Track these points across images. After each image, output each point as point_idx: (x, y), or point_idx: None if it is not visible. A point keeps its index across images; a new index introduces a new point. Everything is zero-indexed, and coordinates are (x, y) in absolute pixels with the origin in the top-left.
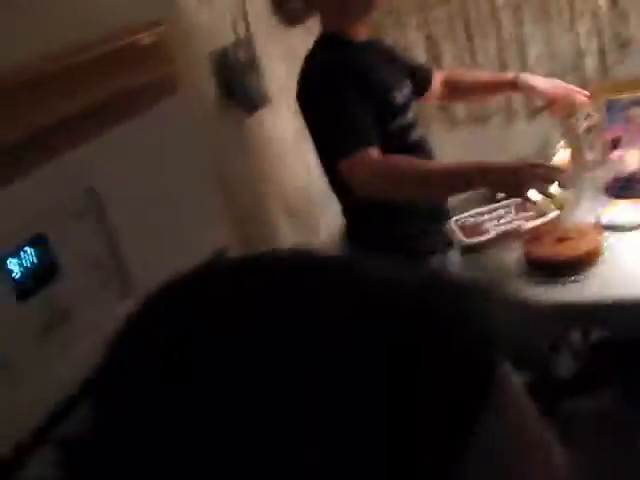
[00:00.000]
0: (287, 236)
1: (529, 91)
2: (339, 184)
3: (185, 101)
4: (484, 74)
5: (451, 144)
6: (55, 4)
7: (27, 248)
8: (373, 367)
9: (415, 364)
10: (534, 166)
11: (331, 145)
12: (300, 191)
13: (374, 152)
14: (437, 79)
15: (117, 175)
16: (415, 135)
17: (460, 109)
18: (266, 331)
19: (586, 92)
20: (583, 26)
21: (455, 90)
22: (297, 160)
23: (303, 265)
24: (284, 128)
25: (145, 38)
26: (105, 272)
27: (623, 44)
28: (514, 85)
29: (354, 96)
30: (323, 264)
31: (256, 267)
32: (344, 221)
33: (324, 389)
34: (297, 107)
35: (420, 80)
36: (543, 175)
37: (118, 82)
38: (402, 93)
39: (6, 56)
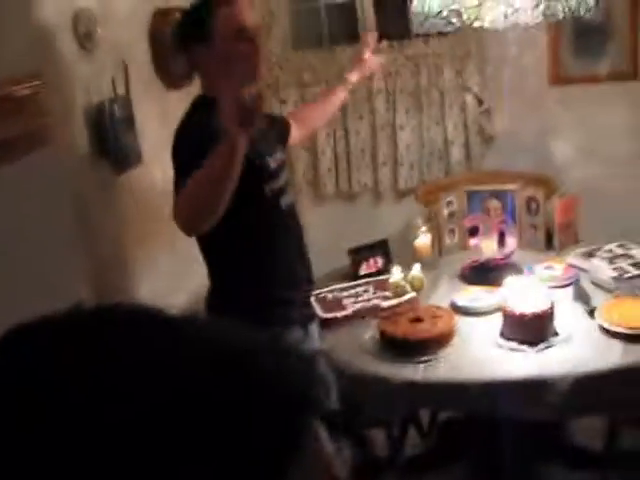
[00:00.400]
0: (150, 294)
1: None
2: (206, 246)
3: (55, 154)
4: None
5: (319, 218)
6: None
7: None
8: (181, 420)
9: (224, 421)
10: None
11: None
12: (166, 251)
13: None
14: (293, 125)
15: None
16: (286, 200)
17: (330, 185)
18: (99, 380)
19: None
20: (451, 119)
21: (305, 123)
22: (164, 220)
23: (138, 321)
24: (154, 188)
25: (22, 90)
26: None
27: (486, 139)
28: (338, 87)
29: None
30: (159, 321)
31: (96, 319)
32: (210, 284)
33: (134, 436)
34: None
35: (285, 133)
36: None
37: None
38: (274, 159)
39: None
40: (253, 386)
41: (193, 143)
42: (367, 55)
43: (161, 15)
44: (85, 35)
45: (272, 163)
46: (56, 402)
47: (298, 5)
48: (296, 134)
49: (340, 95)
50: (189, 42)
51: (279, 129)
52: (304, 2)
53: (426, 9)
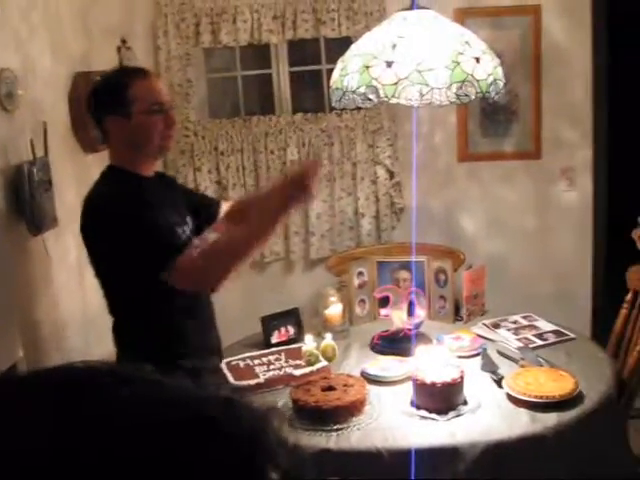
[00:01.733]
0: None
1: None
2: (117, 308)
3: None
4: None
5: (231, 286)
6: None
7: None
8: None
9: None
10: (293, 182)
11: (139, 266)
12: (76, 313)
13: (187, 254)
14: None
15: None
16: None
17: None
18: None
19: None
20: (363, 191)
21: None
22: (76, 282)
23: (93, 381)
24: (68, 250)
25: None
26: None
27: (396, 211)
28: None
29: (145, 221)
30: (100, 378)
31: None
32: (116, 340)
33: None
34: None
35: (207, 212)
36: (299, 189)
37: None
38: (184, 229)
39: None
40: (212, 434)
41: (112, 218)
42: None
43: (82, 78)
44: (6, 95)
45: (182, 235)
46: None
47: (215, 74)
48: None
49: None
50: (103, 111)
51: (206, 210)
52: (221, 72)
53: (345, 85)
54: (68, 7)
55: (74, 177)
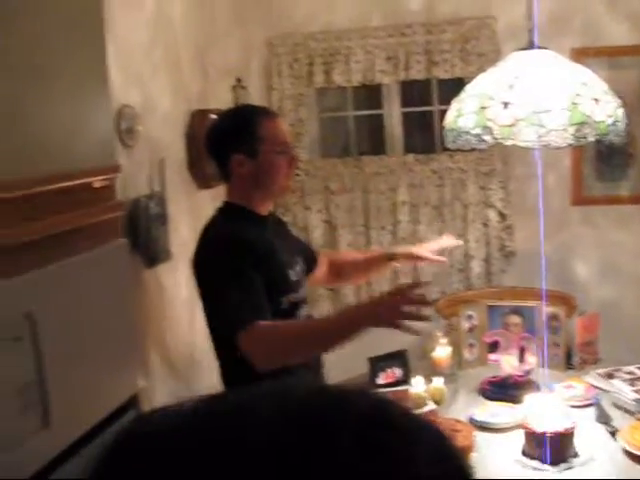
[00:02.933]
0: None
1: (399, 256)
2: (224, 351)
3: (122, 245)
4: (359, 254)
5: None
6: (22, 136)
7: None
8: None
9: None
10: (403, 299)
11: (226, 316)
12: (186, 347)
13: (264, 323)
14: (323, 262)
15: (56, 306)
16: (303, 311)
17: (350, 294)
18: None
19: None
20: (473, 234)
21: (338, 273)
22: (187, 317)
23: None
24: (179, 284)
25: (99, 181)
26: (29, 395)
27: (507, 255)
28: (384, 257)
29: (250, 270)
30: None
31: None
32: (222, 381)
33: None
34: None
35: (308, 261)
36: (409, 311)
37: (71, 218)
38: (295, 270)
39: None
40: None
41: (227, 254)
42: (424, 252)
43: (198, 116)
44: (126, 131)
45: (293, 276)
46: None
47: (327, 114)
48: (321, 273)
49: (383, 267)
50: (228, 149)
51: (308, 257)
52: (333, 111)
53: (460, 126)
54: (187, 47)
55: (188, 212)
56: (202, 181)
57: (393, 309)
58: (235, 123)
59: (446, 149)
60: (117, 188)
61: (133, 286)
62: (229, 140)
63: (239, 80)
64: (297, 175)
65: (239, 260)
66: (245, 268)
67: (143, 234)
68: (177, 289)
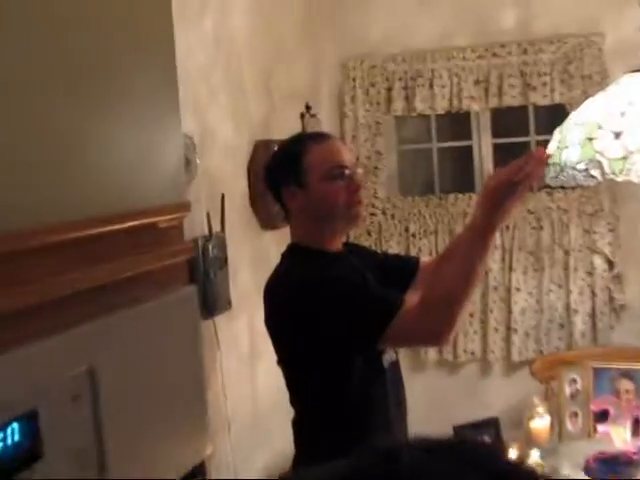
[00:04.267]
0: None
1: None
2: (307, 396)
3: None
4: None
5: (419, 387)
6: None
7: (14, 424)
8: None
9: None
10: (510, 174)
11: (363, 319)
12: (244, 406)
13: (401, 312)
14: (429, 265)
15: (118, 361)
16: (389, 358)
17: (432, 352)
18: None
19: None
20: (576, 284)
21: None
22: (247, 373)
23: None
24: (239, 337)
25: (165, 221)
26: (86, 460)
27: (617, 309)
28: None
29: (354, 277)
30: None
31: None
32: (296, 436)
33: None
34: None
35: (402, 274)
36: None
37: (136, 263)
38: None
39: (25, 218)
40: None
41: (307, 300)
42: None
43: (262, 147)
44: (186, 162)
45: None
46: None
47: (407, 146)
48: (423, 282)
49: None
50: (278, 183)
51: (403, 268)
52: (414, 143)
53: (563, 159)
54: (251, 69)
55: (250, 256)
56: (266, 221)
57: (514, 181)
58: (282, 154)
59: (545, 186)
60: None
61: (200, 339)
62: (278, 172)
63: (308, 107)
64: (373, 215)
65: (338, 277)
66: (349, 275)
67: (200, 280)
68: (236, 342)
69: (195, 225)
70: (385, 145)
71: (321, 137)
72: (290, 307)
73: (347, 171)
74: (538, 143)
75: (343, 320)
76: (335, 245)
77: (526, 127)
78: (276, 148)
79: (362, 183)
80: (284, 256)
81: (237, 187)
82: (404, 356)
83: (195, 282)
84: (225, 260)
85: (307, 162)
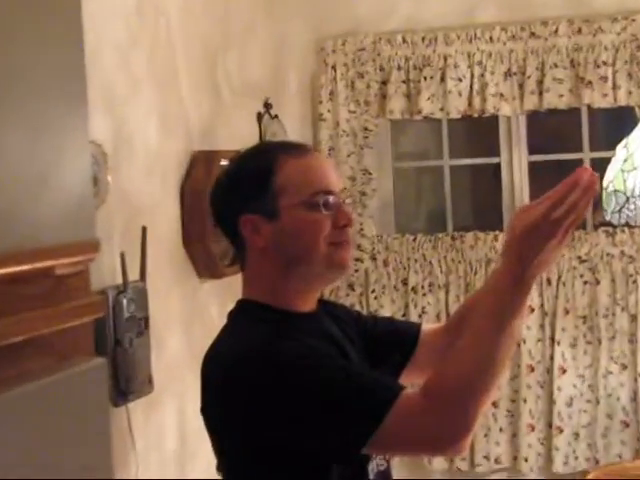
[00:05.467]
0: None
1: None
2: None
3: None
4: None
5: None
6: None
7: None
8: None
9: None
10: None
11: (349, 418)
12: None
13: (400, 400)
14: (429, 335)
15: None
16: (376, 466)
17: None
18: None
19: None
20: None
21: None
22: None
23: None
24: (162, 430)
25: (65, 266)
26: None
27: None
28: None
29: (331, 353)
30: None
31: None
32: None
33: None
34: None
35: (398, 345)
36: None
37: (20, 324)
38: None
39: None
40: None
41: (262, 386)
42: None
43: (202, 161)
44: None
45: None
46: None
47: (407, 163)
48: (426, 359)
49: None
50: (233, 210)
51: (393, 341)
52: (417, 159)
53: (630, 186)
54: (188, 50)
55: (182, 316)
56: (206, 266)
57: (553, 219)
58: (243, 168)
59: (603, 224)
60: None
61: (107, 434)
62: (235, 195)
63: (268, 105)
64: (358, 260)
65: (310, 350)
66: (324, 351)
67: (110, 351)
68: (160, 438)
69: (104, 272)
70: (377, 161)
71: (298, 149)
72: (237, 394)
73: (333, 198)
74: (594, 163)
75: (314, 422)
76: (307, 304)
77: (577, 139)
78: (229, 162)
79: (351, 217)
80: (232, 317)
81: (165, 217)
82: (399, 463)
83: (103, 353)
84: (146, 321)
85: (279, 183)
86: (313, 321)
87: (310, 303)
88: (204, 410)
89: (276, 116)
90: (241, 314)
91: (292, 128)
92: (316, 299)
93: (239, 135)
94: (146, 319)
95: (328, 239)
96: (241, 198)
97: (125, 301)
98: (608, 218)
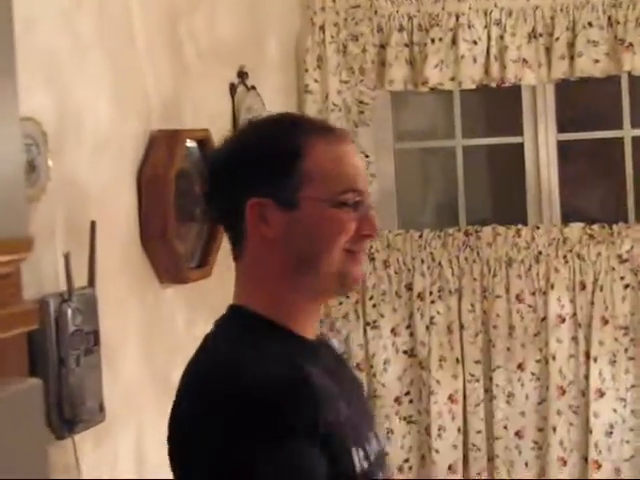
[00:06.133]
0: None
1: None
2: None
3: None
4: None
5: None
6: None
7: None
8: None
9: None
10: None
11: None
12: None
13: None
14: None
15: None
16: None
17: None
18: None
19: None
20: None
21: None
22: None
23: None
24: (116, 467)
25: None
26: None
27: None
28: None
29: (304, 444)
30: None
31: None
32: None
33: None
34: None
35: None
36: None
37: None
38: (366, 453)
39: None
40: None
41: (264, 412)
42: None
43: (164, 143)
44: (25, 168)
45: (362, 461)
46: None
47: (411, 143)
48: None
49: None
50: (242, 192)
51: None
52: (424, 139)
53: None
54: (144, 11)
55: (139, 329)
56: (169, 268)
57: None
58: (262, 141)
59: None
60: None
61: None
62: (245, 171)
63: (243, 74)
64: None
65: (289, 420)
66: (296, 437)
67: (52, 371)
68: (113, 474)
69: (44, 276)
70: (375, 142)
71: (333, 133)
72: (213, 431)
73: (365, 201)
74: (636, 142)
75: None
76: (309, 326)
77: (616, 114)
78: (241, 128)
79: (376, 223)
80: (221, 328)
81: (118, 210)
82: None
83: (43, 374)
84: (96, 336)
85: (306, 169)
86: (314, 352)
87: (311, 326)
88: (172, 448)
89: (253, 87)
90: (233, 323)
91: (272, 102)
92: (317, 325)
93: (208, 111)
94: (96, 333)
95: (350, 244)
96: (252, 176)
97: (70, 311)
98: None
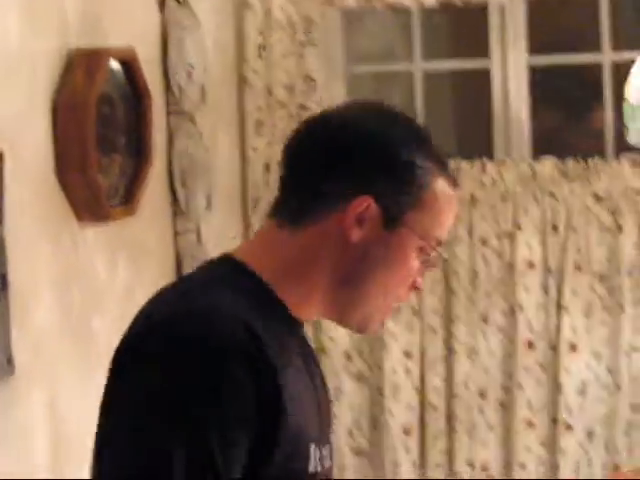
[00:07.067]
0: None
1: None
2: None
3: None
4: None
5: None
6: None
7: None
8: None
9: None
10: None
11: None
12: None
13: None
14: None
15: None
16: None
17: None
18: None
19: None
20: None
21: None
22: None
23: None
24: (33, 423)
25: None
26: None
27: None
28: None
29: (235, 420)
30: None
31: None
32: None
33: None
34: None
35: None
36: None
37: None
38: (322, 455)
39: None
40: None
41: (200, 361)
42: None
43: (83, 64)
44: None
45: (313, 463)
46: None
47: (366, 66)
48: None
49: None
50: (364, 180)
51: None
52: (379, 63)
53: None
54: None
55: (54, 274)
56: (89, 205)
57: None
58: (392, 149)
59: (627, 149)
60: None
61: None
62: (370, 170)
63: None
64: None
65: (225, 383)
66: (228, 410)
67: None
68: (23, 437)
69: None
70: (323, 65)
71: (449, 171)
72: (133, 357)
73: (433, 252)
74: (616, 67)
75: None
76: (307, 311)
77: (594, 36)
78: (362, 118)
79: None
80: (207, 270)
81: (30, 139)
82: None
83: None
84: (4, 281)
85: (428, 197)
86: (297, 331)
87: (309, 311)
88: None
89: (185, 0)
90: (225, 274)
91: (207, 18)
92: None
93: (133, 27)
94: (3, 277)
95: (400, 295)
96: (375, 175)
97: None
98: (633, 141)
